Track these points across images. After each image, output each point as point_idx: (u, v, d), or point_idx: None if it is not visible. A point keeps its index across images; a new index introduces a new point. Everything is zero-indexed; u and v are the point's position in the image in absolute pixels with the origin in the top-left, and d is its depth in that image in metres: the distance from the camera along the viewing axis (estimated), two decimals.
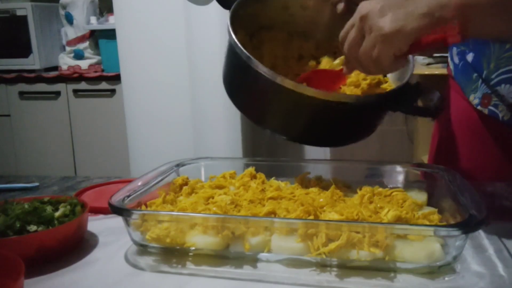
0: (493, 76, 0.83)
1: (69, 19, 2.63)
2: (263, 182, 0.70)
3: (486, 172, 0.86)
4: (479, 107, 0.86)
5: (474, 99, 0.86)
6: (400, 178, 0.72)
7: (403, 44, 0.61)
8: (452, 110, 0.94)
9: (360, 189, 0.65)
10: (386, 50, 0.61)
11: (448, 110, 0.95)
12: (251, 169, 0.73)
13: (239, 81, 0.71)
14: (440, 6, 0.58)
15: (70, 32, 2.67)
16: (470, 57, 0.87)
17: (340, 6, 0.78)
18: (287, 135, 0.71)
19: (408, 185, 0.70)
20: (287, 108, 0.67)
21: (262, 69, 0.65)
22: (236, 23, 0.71)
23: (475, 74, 0.86)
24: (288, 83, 0.64)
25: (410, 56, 0.73)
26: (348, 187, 0.69)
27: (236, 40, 0.67)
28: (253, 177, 0.72)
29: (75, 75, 2.58)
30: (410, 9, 0.59)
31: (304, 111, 0.66)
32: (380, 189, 0.66)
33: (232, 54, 0.69)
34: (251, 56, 0.66)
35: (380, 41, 0.61)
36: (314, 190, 0.67)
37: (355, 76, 0.76)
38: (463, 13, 0.57)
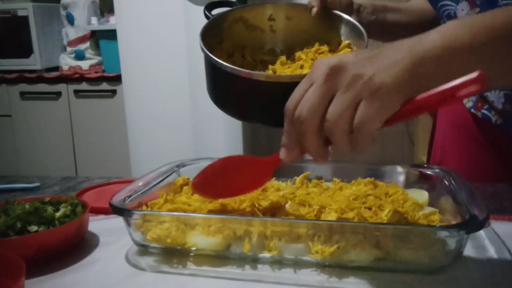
0: None
1: (70, 20, 2.63)
2: (263, 190, 0.70)
3: (480, 174, 0.86)
4: (472, 110, 0.86)
5: (468, 101, 0.87)
6: (401, 178, 0.72)
7: (396, 101, 0.46)
8: (449, 112, 0.94)
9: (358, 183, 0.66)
10: (377, 107, 0.45)
11: (445, 111, 0.95)
12: None
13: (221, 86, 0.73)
14: (415, 57, 0.47)
15: (71, 33, 2.67)
16: None
17: (314, 10, 0.79)
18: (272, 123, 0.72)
19: (409, 185, 0.70)
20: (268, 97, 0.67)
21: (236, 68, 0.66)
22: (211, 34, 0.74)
23: None
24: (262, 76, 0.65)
25: (364, 32, 0.73)
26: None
27: (204, 47, 0.69)
28: None
29: (76, 75, 2.58)
30: (391, 59, 0.47)
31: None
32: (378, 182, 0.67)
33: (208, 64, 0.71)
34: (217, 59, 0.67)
35: (370, 95, 0.45)
36: (314, 190, 0.67)
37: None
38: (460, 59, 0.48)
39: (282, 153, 0.53)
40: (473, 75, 0.44)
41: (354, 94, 0.46)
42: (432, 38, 0.48)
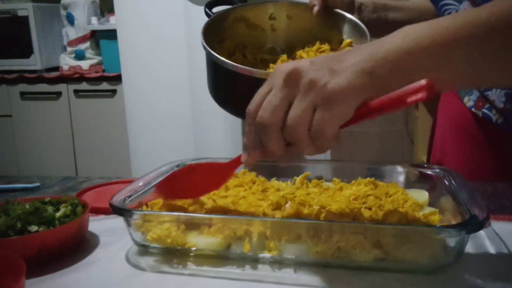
0: None
1: (70, 20, 2.63)
2: (263, 190, 0.70)
3: (479, 173, 0.86)
4: (473, 110, 0.86)
5: (469, 101, 0.87)
6: (401, 178, 0.72)
7: (350, 107, 0.47)
8: (449, 111, 0.94)
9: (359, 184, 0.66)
10: (332, 114, 0.47)
11: (445, 111, 0.95)
12: (251, 175, 0.73)
13: (223, 84, 0.72)
14: (377, 60, 0.46)
15: (71, 33, 2.67)
16: None
17: (315, 9, 0.79)
18: None
19: (409, 185, 0.70)
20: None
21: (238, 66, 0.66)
22: (214, 32, 0.74)
23: None
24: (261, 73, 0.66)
25: (367, 30, 0.73)
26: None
27: (205, 44, 0.70)
28: (253, 182, 0.72)
29: (76, 75, 2.58)
30: (350, 62, 0.47)
31: None
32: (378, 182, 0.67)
33: (210, 62, 0.71)
34: (218, 55, 0.67)
35: (325, 102, 0.47)
36: (314, 190, 0.67)
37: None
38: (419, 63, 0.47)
39: (244, 156, 0.55)
40: (422, 82, 0.46)
41: (310, 100, 0.47)
42: (393, 40, 0.48)
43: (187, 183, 0.61)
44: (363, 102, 0.48)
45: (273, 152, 0.51)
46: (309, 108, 0.48)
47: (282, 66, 0.50)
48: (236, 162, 0.57)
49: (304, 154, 0.51)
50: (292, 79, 0.49)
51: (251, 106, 0.52)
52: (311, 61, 0.49)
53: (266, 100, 0.50)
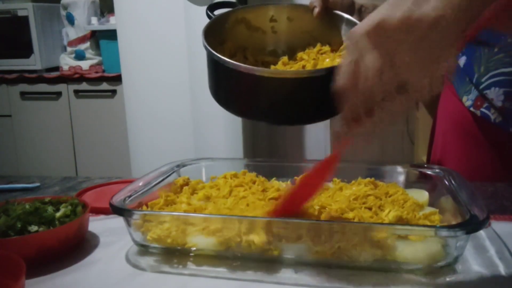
0: (483, 80, 0.83)
1: (70, 20, 2.63)
2: (263, 190, 0.70)
3: (479, 172, 0.86)
4: (471, 109, 0.86)
5: (467, 100, 0.87)
6: (401, 178, 0.72)
7: (460, 30, 0.41)
8: (448, 111, 0.94)
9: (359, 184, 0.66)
10: (443, 45, 0.41)
11: (445, 111, 0.95)
12: (251, 175, 0.73)
13: (225, 86, 0.72)
14: None
15: (71, 33, 2.67)
16: (462, 61, 0.87)
17: (316, 11, 0.79)
18: (275, 120, 0.71)
19: (409, 185, 0.71)
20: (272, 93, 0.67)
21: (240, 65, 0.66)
22: (214, 34, 0.74)
23: (468, 77, 0.87)
24: (267, 72, 0.65)
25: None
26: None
27: (206, 44, 0.69)
28: (253, 182, 0.71)
29: (76, 75, 2.58)
30: None
31: (286, 92, 0.64)
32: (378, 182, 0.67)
33: (211, 62, 0.71)
34: (222, 57, 0.67)
35: (429, 34, 0.41)
36: None
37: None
38: None
39: (336, 143, 0.51)
40: None
41: (413, 40, 0.42)
42: None
43: (295, 197, 0.59)
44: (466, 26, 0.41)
45: (387, 119, 0.46)
46: (416, 47, 0.42)
47: (359, 29, 0.44)
48: (333, 158, 0.55)
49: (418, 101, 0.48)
50: (379, 33, 0.43)
51: (343, 81, 0.45)
52: (386, 5, 0.43)
53: (362, 68, 0.44)
